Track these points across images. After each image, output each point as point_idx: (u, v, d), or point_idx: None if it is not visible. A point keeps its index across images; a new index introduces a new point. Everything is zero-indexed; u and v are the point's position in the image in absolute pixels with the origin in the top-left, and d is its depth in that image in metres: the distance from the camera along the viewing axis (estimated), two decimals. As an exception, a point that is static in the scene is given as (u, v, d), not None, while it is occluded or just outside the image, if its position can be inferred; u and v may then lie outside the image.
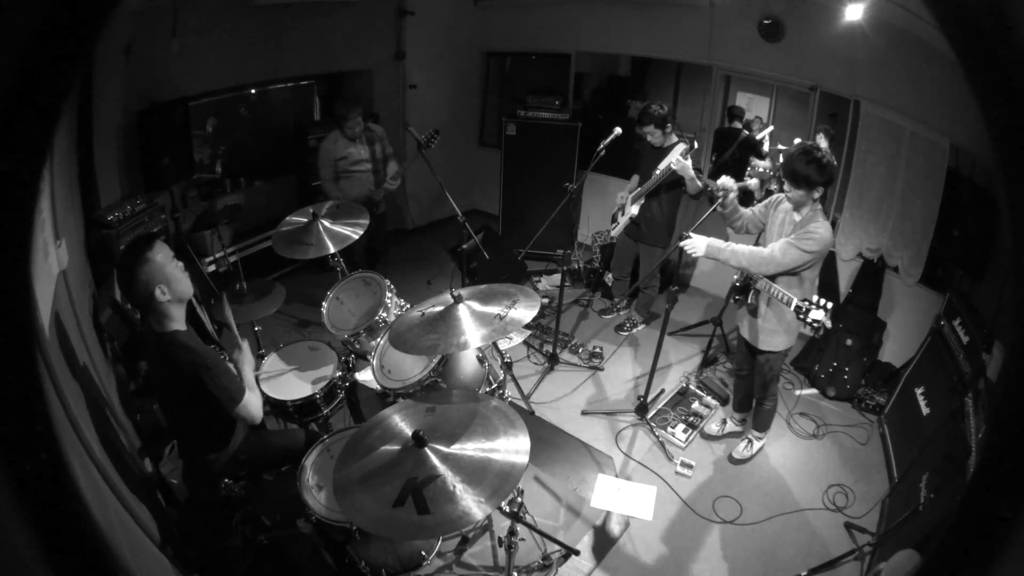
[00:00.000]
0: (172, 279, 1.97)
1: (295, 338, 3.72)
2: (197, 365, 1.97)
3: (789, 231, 2.66)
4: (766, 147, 4.42)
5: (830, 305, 2.35)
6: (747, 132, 4.79)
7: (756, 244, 2.93)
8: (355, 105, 4.13)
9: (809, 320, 2.35)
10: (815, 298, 2.38)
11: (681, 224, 4.16)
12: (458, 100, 6.06)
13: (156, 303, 1.95)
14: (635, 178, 4.15)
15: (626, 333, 4.50)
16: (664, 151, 3.86)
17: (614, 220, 4.28)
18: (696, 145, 3.65)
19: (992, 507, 0.69)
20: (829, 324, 2.34)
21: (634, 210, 4.04)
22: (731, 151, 3.75)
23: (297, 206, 3.34)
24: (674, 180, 3.76)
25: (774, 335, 2.85)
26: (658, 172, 3.77)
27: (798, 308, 2.39)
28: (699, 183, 3.67)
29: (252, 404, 2.13)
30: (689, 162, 3.54)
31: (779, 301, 2.56)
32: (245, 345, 2.37)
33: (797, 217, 2.66)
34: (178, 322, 2.04)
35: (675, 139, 3.90)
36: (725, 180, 2.80)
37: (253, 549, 2.35)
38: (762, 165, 4.16)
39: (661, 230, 4.07)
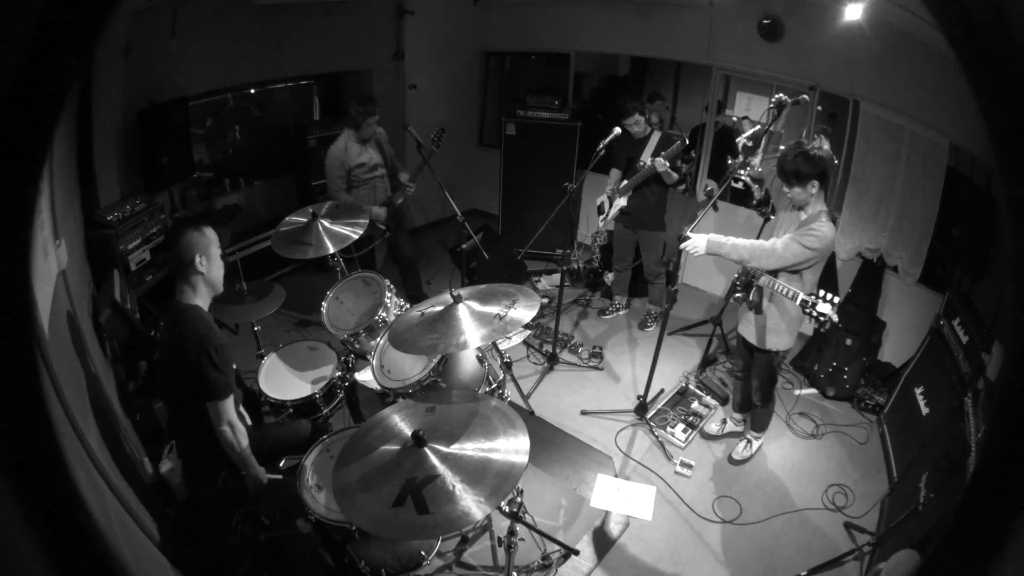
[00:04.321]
0: (212, 258, 2.11)
1: (295, 338, 3.73)
2: (207, 340, 2.01)
3: (793, 229, 2.67)
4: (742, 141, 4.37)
5: (836, 299, 2.34)
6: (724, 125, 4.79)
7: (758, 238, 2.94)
8: (375, 104, 3.88)
9: (816, 314, 2.34)
10: (821, 292, 2.37)
11: (671, 208, 4.31)
12: (458, 100, 6.06)
13: (191, 270, 2.06)
14: (615, 171, 4.24)
15: (609, 316, 4.65)
16: (643, 141, 4.02)
17: (600, 212, 4.33)
18: (688, 142, 3.82)
19: (992, 507, 0.69)
20: (836, 318, 2.33)
21: (623, 202, 4.14)
22: (681, 133, 3.89)
23: (297, 206, 3.34)
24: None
25: (775, 334, 2.85)
26: (645, 166, 3.91)
27: (804, 302, 2.38)
28: (675, 176, 3.87)
29: (231, 413, 2.08)
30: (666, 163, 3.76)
31: (784, 296, 2.56)
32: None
33: (802, 216, 2.66)
34: (203, 300, 2.12)
35: (650, 129, 4.03)
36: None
37: (253, 549, 2.35)
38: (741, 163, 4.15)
39: (658, 214, 4.19)
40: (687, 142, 3.78)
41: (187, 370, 2.01)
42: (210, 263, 2.10)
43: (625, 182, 4.10)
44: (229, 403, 2.07)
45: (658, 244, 4.29)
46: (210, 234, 2.12)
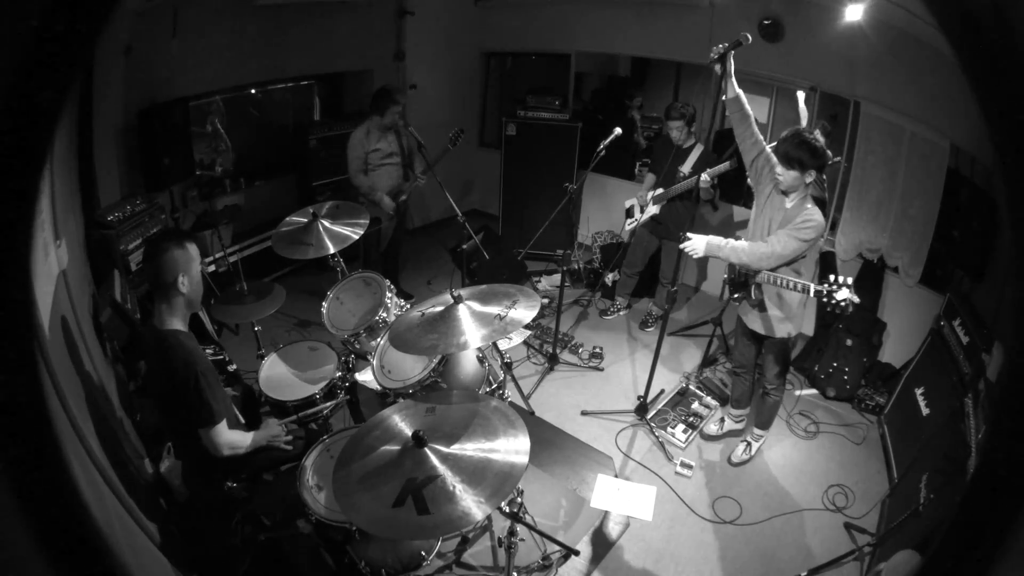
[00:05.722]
0: (194, 277, 2.04)
1: (295, 338, 3.73)
2: (193, 366, 1.97)
3: (779, 218, 2.66)
4: None
5: (850, 280, 2.31)
6: None
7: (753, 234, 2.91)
8: (400, 93, 4.15)
9: (835, 301, 2.30)
10: (832, 277, 2.33)
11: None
12: (458, 100, 6.06)
13: (173, 291, 2.00)
14: (651, 176, 4.21)
15: (610, 317, 4.66)
16: (685, 151, 3.99)
17: (629, 215, 4.31)
18: (737, 165, 3.66)
19: (992, 507, 0.69)
20: (857, 299, 2.29)
21: (655, 210, 4.11)
22: (730, 151, 3.81)
23: (297, 206, 3.34)
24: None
25: (784, 322, 2.85)
26: (687, 178, 3.90)
27: (819, 293, 2.35)
28: (712, 192, 3.83)
29: (225, 436, 2.06)
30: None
31: (793, 291, 2.55)
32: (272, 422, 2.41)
33: (788, 204, 2.65)
34: (181, 323, 2.07)
35: (694, 140, 4.01)
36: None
37: (253, 549, 2.35)
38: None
39: (685, 226, 4.15)
40: (736, 165, 3.72)
41: (174, 399, 1.99)
42: (191, 282, 2.03)
43: (661, 190, 4.09)
44: (221, 428, 2.04)
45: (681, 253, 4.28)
46: (193, 251, 2.04)
